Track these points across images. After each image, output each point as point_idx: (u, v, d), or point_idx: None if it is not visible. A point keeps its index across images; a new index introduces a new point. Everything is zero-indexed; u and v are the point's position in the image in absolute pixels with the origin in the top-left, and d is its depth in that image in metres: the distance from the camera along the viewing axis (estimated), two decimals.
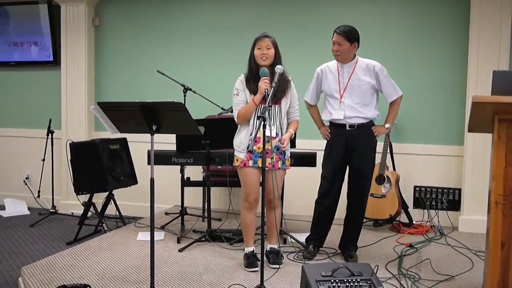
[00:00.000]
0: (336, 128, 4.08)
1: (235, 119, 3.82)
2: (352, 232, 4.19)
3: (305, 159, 4.66)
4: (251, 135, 3.74)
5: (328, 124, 4.18)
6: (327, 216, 4.17)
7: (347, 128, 4.02)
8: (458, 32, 5.20)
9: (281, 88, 3.78)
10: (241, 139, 3.82)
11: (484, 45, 4.98)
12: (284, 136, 3.79)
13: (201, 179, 5.39)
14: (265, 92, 3.57)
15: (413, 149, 5.38)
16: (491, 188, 2.92)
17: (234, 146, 3.87)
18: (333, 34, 3.97)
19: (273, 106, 3.73)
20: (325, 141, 4.19)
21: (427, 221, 5.23)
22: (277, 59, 3.78)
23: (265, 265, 3.48)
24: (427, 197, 5.35)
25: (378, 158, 5.09)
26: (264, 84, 3.61)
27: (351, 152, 4.03)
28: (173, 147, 4.70)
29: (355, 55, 4.04)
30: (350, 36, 3.93)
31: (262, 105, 3.59)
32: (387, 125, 4.14)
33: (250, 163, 3.79)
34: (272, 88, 3.54)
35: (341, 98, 4.01)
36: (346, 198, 4.17)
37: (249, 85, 3.78)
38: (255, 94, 3.73)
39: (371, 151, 4.11)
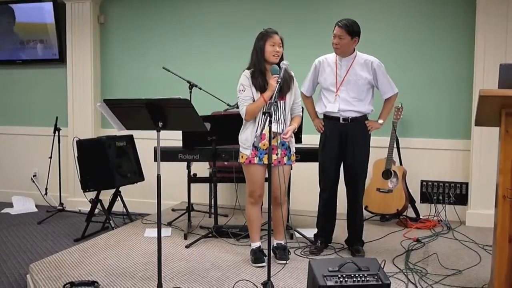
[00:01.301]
0: (330, 120, 4.08)
1: (242, 116, 3.81)
2: (354, 225, 4.19)
3: (311, 154, 4.64)
4: (257, 131, 3.73)
5: (321, 116, 4.19)
6: (327, 210, 4.18)
7: (341, 121, 4.02)
8: (464, 26, 5.17)
9: (286, 83, 3.78)
10: (247, 136, 3.82)
11: (490, 38, 4.95)
12: (287, 128, 3.79)
13: (207, 175, 5.40)
14: (276, 91, 3.55)
15: (420, 144, 5.36)
16: (499, 182, 2.91)
17: (240, 143, 3.87)
18: (335, 26, 3.97)
19: (278, 102, 3.74)
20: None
21: (434, 216, 5.22)
22: (282, 56, 3.79)
23: (272, 261, 3.48)
24: (434, 192, 5.33)
25: (380, 154, 5.10)
26: (275, 82, 3.60)
27: (345, 145, 4.05)
28: (180, 144, 4.70)
29: (354, 49, 4.03)
30: (352, 30, 3.92)
31: (268, 101, 3.58)
32: (380, 121, 4.15)
33: (256, 160, 3.79)
34: (278, 84, 3.53)
35: (337, 91, 4.01)
36: None
37: (256, 81, 3.77)
38: (261, 91, 3.72)
39: (365, 145, 4.12)
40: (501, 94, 2.82)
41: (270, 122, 3.33)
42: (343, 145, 4.05)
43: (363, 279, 2.87)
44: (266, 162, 3.72)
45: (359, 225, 4.20)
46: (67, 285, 3.43)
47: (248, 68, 3.84)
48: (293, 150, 3.92)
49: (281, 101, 3.79)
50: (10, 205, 6.33)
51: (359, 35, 3.97)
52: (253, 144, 3.76)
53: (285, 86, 3.77)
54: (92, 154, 5.10)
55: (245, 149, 3.81)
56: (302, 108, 4.06)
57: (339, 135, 4.03)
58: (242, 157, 3.84)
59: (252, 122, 3.81)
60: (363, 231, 4.24)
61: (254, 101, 3.75)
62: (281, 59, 3.77)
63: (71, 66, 6.22)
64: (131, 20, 6.17)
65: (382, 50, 5.28)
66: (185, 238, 4.56)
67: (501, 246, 2.89)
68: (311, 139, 4.76)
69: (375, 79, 4.05)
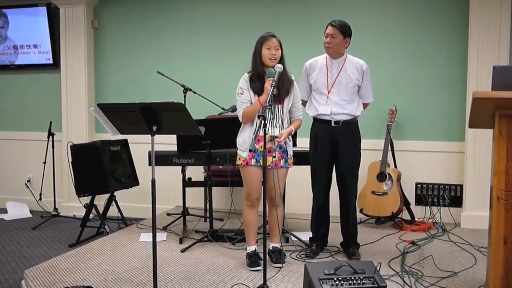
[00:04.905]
0: (321, 123, 4.08)
1: (240, 119, 3.83)
2: (347, 228, 4.18)
3: (305, 157, 4.64)
4: (253, 134, 3.73)
5: (312, 120, 4.18)
6: (321, 213, 4.18)
7: (332, 124, 4.03)
8: (458, 28, 5.19)
9: (285, 88, 3.79)
10: (244, 138, 3.83)
11: (484, 40, 4.96)
12: (282, 131, 3.79)
13: (202, 179, 5.39)
14: (271, 94, 3.55)
15: (414, 146, 5.37)
16: (493, 183, 2.92)
17: (237, 145, 3.88)
18: (327, 26, 3.99)
19: (276, 106, 3.75)
20: None
21: (429, 218, 5.21)
22: (282, 59, 3.79)
23: (267, 264, 3.48)
24: (429, 194, 5.34)
25: (375, 156, 5.11)
26: (270, 85, 3.60)
27: (336, 148, 4.05)
28: (174, 148, 4.69)
29: (344, 51, 4.05)
30: (345, 30, 3.96)
31: (264, 104, 3.58)
32: None
33: (253, 162, 3.79)
34: (272, 87, 3.53)
35: (328, 93, 4.02)
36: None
37: (254, 84, 3.78)
38: (259, 94, 3.74)
39: (356, 147, 4.13)
40: (495, 96, 2.84)
41: (265, 125, 3.34)
42: (334, 148, 4.05)
43: (359, 282, 2.87)
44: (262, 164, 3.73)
45: (352, 228, 4.19)
46: None
47: (249, 72, 3.85)
48: (290, 153, 3.92)
49: (279, 105, 3.80)
50: (4, 210, 6.29)
51: (350, 36, 4.01)
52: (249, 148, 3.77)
53: (283, 90, 3.78)
54: (86, 159, 5.09)
55: (243, 151, 3.82)
56: None
57: (330, 138, 4.04)
58: (239, 159, 3.85)
59: (250, 125, 3.82)
60: (357, 233, 4.24)
61: (252, 104, 3.77)
62: (281, 61, 3.77)
63: (65, 70, 6.21)
64: (125, 24, 6.16)
65: (376, 52, 5.31)
66: (181, 242, 4.55)
67: (496, 247, 2.90)
68: (306, 142, 4.77)
69: (361, 82, 4.07)
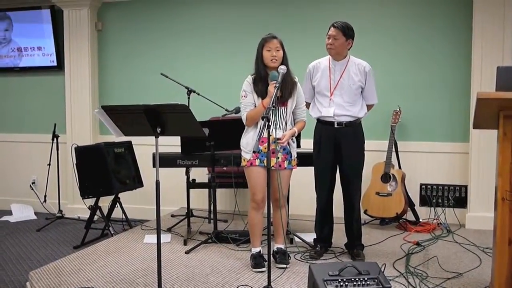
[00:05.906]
0: (324, 125, 4.08)
1: (244, 121, 3.83)
2: (351, 229, 4.18)
3: (309, 159, 4.64)
4: (257, 136, 3.74)
5: (315, 121, 4.18)
6: (324, 214, 4.18)
7: (335, 125, 4.02)
8: (462, 28, 5.18)
9: (288, 89, 3.79)
10: (248, 140, 3.83)
11: (487, 41, 4.95)
12: (285, 132, 3.79)
13: (206, 180, 5.40)
14: (274, 96, 3.55)
15: (419, 147, 5.37)
16: (498, 184, 2.92)
17: (241, 147, 3.88)
18: (330, 28, 3.99)
19: (279, 107, 3.76)
20: None
21: (434, 219, 5.21)
22: (284, 61, 3.78)
23: (272, 266, 3.48)
24: (434, 195, 5.33)
25: (379, 157, 5.10)
26: (273, 88, 3.60)
27: (340, 150, 4.05)
28: (178, 150, 4.70)
29: (347, 53, 4.04)
30: (347, 32, 3.95)
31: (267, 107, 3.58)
32: None
33: (257, 162, 3.80)
34: (276, 88, 3.53)
35: (331, 95, 4.02)
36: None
37: (257, 87, 3.79)
38: (262, 97, 3.74)
39: (359, 149, 4.12)
40: (499, 96, 2.83)
41: (269, 126, 3.35)
42: (337, 149, 4.05)
43: (363, 283, 2.87)
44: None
45: (356, 229, 4.19)
46: None
47: (253, 74, 3.85)
48: (294, 155, 3.92)
49: (282, 107, 3.80)
50: (9, 212, 6.31)
51: (353, 38, 4.00)
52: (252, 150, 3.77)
53: (286, 91, 3.78)
54: (90, 160, 5.10)
55: (246, 153, 3.83)
56: None
57: (334, 140, 4.04)
58: (243, 160, 3.85)
59: (253, 127, 3.83)
60: (362, 234, 4.23)
61: (255, 107, 3.77)
62: (284, 62, 3.77)
63: (69, 73, 6.22)
64: (129, 26, 6.18)
65: (379, 54, 5.31)
66: (185, 244, 4.56)
67: (501, 248, 2.90)
68: (309, 144, 4.77)
69: (364, 83, 4.06)
